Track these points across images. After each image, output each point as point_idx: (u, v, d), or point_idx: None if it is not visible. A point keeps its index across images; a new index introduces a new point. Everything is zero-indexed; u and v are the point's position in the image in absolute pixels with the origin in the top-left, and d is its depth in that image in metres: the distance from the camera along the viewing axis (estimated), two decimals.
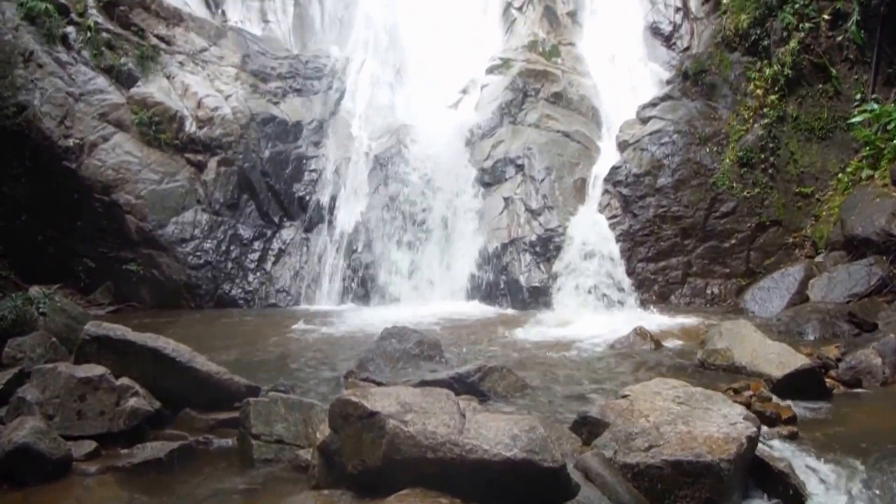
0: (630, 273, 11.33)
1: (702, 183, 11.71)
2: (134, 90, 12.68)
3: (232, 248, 12.25)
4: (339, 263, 12.33)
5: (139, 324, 8.52)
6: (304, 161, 13.07)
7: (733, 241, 11.42)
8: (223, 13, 14.53)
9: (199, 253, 12.02)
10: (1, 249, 11.32)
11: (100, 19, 12.93)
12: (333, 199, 12.84)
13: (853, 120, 11.30)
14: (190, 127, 12.64)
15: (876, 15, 11.55)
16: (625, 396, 4.80)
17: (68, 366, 5.45)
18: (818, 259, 10.54)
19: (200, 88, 12.99)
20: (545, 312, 10.75)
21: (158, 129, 12.48)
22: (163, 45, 13.25)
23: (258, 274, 12.25)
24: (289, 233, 12.70)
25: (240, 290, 12.05)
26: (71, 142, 11.96)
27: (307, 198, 12.84)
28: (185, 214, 12.18)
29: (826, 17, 11.88)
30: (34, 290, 8.59)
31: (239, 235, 12.37)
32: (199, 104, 12.81)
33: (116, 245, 11.98)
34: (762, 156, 11.71)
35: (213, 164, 12.59)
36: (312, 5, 14.98)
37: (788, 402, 5.57)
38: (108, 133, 12.30)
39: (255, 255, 12.34)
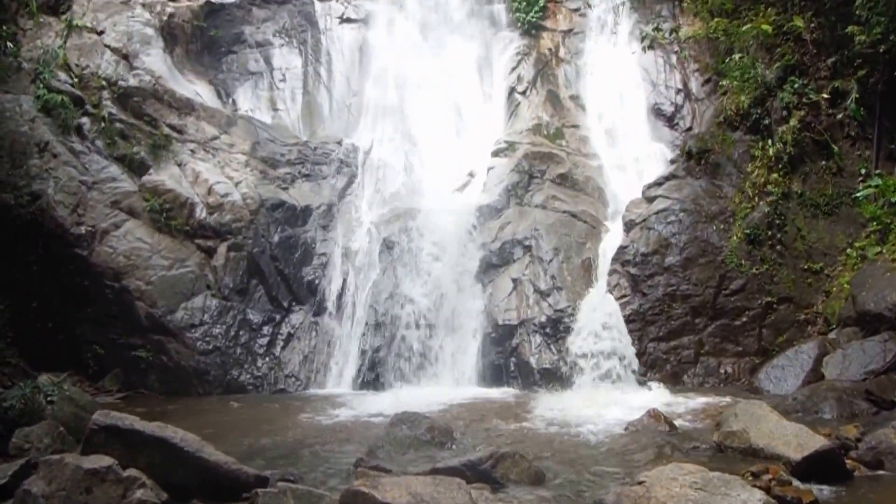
0: (641, 353, 11.30)
1: (710, 261, 11.80)
2: (146, 178, 13.03)
3: (241, 333, 12.32)
4: (348, 348, 12.36)
5: (148, 412, 8.53)
6: (313, 245, 13.28)
7: (744, 319, 11.41)
8: (234, 102, 15.07)
9: (208, 338, 12.09)
10: (11, 336, 11.42)
11: (114, 110, 13.41)
12: (342, 282, 12.99)
13: (858, 195, 11.47)
14: (200, 213, 12.92)
15: (874, 92, 11.89)
16: (641, 483, 4.76)
17: (75, 457, 5.46)
18: (831, 336, 10.51)
19: (211, 175, 13.34)
20: (557, 394, 10.69)
21: (169, 215, 12.76)
22: (175, 134, 13.68)
23: (267, 359, 12.28)
24: (298, 317, 12.78)
25: (249, 376, 12.05)
26: (83, 229, 12.23)
27: (316, 282, 12.98)
28: (194, 300, 12.31)
29: (825, 95, 12.21)
30: (43, 379, 8.66)
31: (248, 320, 12.46)
32: (210, 191, 13.13)
33: (126, 331, 12.08)
34: (769, 233, 11.83)
35: (222, 249, 12.80)
36: (321, 93, 15.53)
37: (809, 485, 5.50)
38: (120, 220, 12.58)
39: (264, 340, 12.39)
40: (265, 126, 14.61)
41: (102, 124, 13.16)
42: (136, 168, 13.12)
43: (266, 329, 12.50)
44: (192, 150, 13.63)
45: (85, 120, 13.14)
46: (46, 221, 12.11)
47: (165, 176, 13.16)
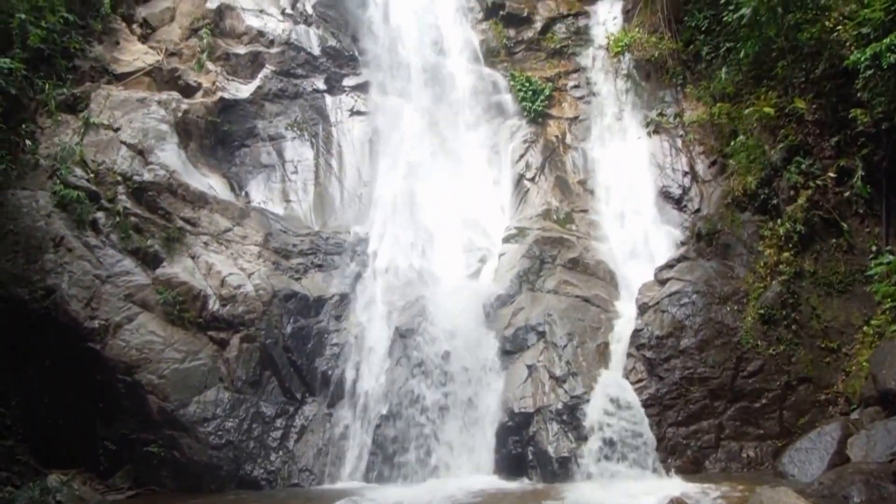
0: (661, 438, 11.33)
1: (726, 342, 11.96)
2: (159, 271, 13.39)
3: (254, 426, 12.42)
4: (362, 439, 12.41)
5: None
6: (326, 335, 13.51)
7: (764, 401, 11.48)
8: (247, 194, 15.60)
9: (220, 433, 12.18)
10: (21, 433, 11.56)
11: (129, 204, 13.87)
12: (356, 373, 13.13)
13: (871, 272, 11.70)
14: (213, 305, 13.21)
15: (879, 170, 12.28)
16: None
17: None
18: (854, 416, 10.56)
19: (224, 267, 13.71)
20: (577, 484, 10.67)
21: (182, 307, 13.04)
22: (188, 227, 14.12)
23: (280, 453, 12.33)
24: (311, 409, 12.89)
25: (262, 471, 12.08)
26: (96, 323, 12.50)
27: (329, 372, 13.15)
28: (207, 393, 12.47)
29: (831, 174, 12.61)
30: (52, 479, 8.77)
31: (261, 413, 12.58)
32: (223, 282, 13.47)
33: (137, 426, 12.17)
34: (784, 312, 12.01)
35: (235, 341, 13.04)
36: (332, 184, 16.08)
37: None
38: (133, 313, 12.86)
39: (278, 434, 12.47)
40: (278, 217, 15.09)
41: (117, 218, 13.60)
42: (150, 261, 13.48)
43: (279, 422, 12.60)
44: (206, 243, 14.04)
45: (100, 214, 13.57)
46: (60, 315, 12.39)
47: (179, 268, 13.52)
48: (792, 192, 12.79)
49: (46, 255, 12.78)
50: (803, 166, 12.69)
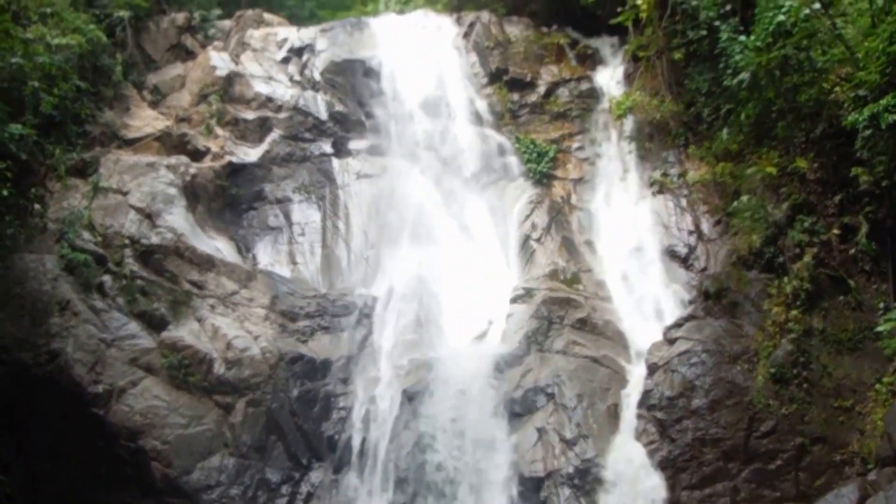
0: (675, 502, 11.23)
1: (737, 402, 11.95)
2: (165, 334, 13.51)
3: (259, 493, 12.33)
4: None
5: None
6: (333, 399, 13.51)
7: (779, 462, 11.41)
8: (254, 257, 15.83)
9: (224, 500, 12.11)
10: (21, 502, 11.49)
11: (135, 268, 14.09)
12: (363, 437, 13.09)
13: (880, 329, 11.76)
14: (219, 368, 13.27)
15: (884, 227, 12.45)
16: None
17: None
18: (871, 477, 10.49)
19: (230, 330, 13.82)
20: None
21: (188, 371, 13.11)
22: (195, 290, 14.29)
23: None
24: (317, 475, 12.81)
25: None
26: (100, 388, 12.55)
27: (336, 437, 13.11)
28: (211, 459, 12.43)
29: (836, 232, 12.78)
30: None
31: (266, 480, 12.50)
32: (229, 346, 13.56)
33: (140, 493, 12.14)
34: (795, 371, 12.04)
35: (241, 405, 13.05)
36: (339, 246, 16.31)
37: None
38: (138, 378, 12.93)
39: (283, 501, 12.41)
40: (284, 280, 15.27)
41: (124, 282, 13.79)
42: (156, 324, 13.62)
43: (285, 488, 12.53)
44: (212, 306, 14.19)
45: (107, 278, 13.77)
46: (63, 380, 12.46)
47: (185, 332, 13.64)
48: (797, 250, 12.94)
49: (52, 319, 12.92)
50: (807, 224, 12.88)
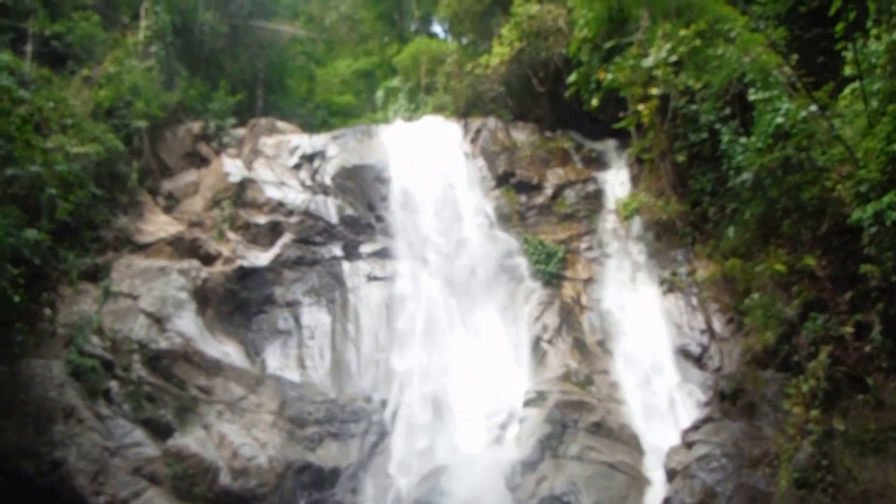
0: None
1: None
2: (171, 442, 13.42)
3: None
4: None
5: None
6: None
7: None
8: (263, 361, 15.90)
9: None
10: None
11: (143, 373, 14.17)
12: None
13: None
14: (224, 479, 13.13)
15: None
16: None
17: None
18: None
19: (237, 437, 13.74)
20: None
21: (193, 481, 12.97)
22: (202, 396, 14.31)
23: None
24: None
25: None
26: (102, 499, 12.39)
27: None
28: None
29: (849, 329, 12.75)
30: None
31: None
32: (235, 454, 13.44)
33: None
34: (818, 475, 11.76)
35: None
36: (349, 350, 16.39)
37: None
38: (141, 488, 12.77)
39: None
40: (293, 385, 15.28)
41: (131, 387, 13.83)
42: (162, 431, 13.56)
43: None
44: (220, 412, 14.16)
45: (113, 383, 13.82)
46: (65, 491, 12.33)
47: (190, 439, 13.56)
48: (812, 349, 12.87)
49: (56, 427, 12.90)
50: (820, 322, 12.87)
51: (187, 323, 15.13)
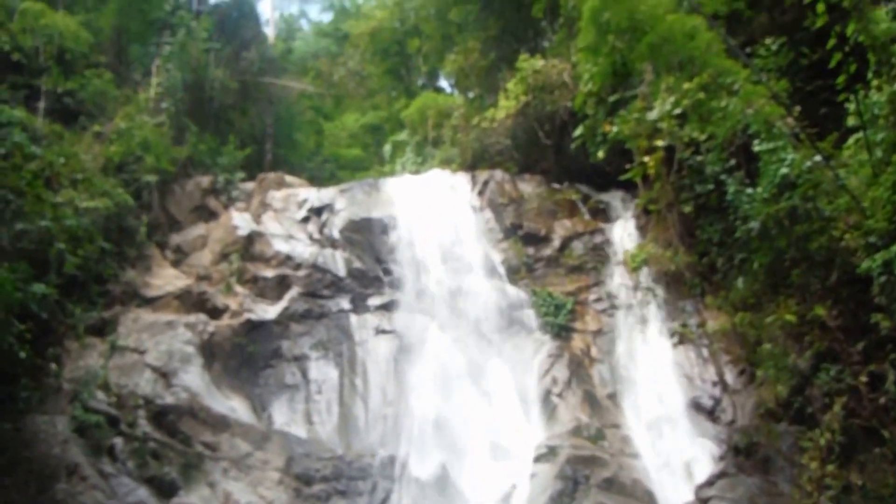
0: None
1: None
2: (175, 500, 13.31)
3: None
4: None
5: None
6: None
7: None
8: (269, 416, 15.82)
9: None
10: None
11: (148, 429, 14.10)
12: None
13: None
14: None
15: None
16: None
17: None
18: None
19: (242, 496, 13.62)
20: None
21: None
22: (208, 453, 14.20)
23: None
24: None
25: None
26: None
27: None
28: None
29: (864, 380, 12.63)
30: None
31: None
32: None
33: None
34: None
35: None
36: (356, 405, 16.30)
37: None
38: None
39: None
40: (300, 441, 15.16)
41: (136, 444, 13.74)
42: (166, 490, 13.43)
43: None
44: (225, 469, 14.05)
45: (118, 440, 13.74)
46: None
47: (195, 497, 13.46)
48: (826, 400, 12.75)
49: (59, 485, 12.76)
50: (833, 373, 12.77)
51: (194, 378, 15.12)
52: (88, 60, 22.09)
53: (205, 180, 20.70)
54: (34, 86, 19.58)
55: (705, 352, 15.67)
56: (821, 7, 10.28)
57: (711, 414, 14.93)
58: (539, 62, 20.98)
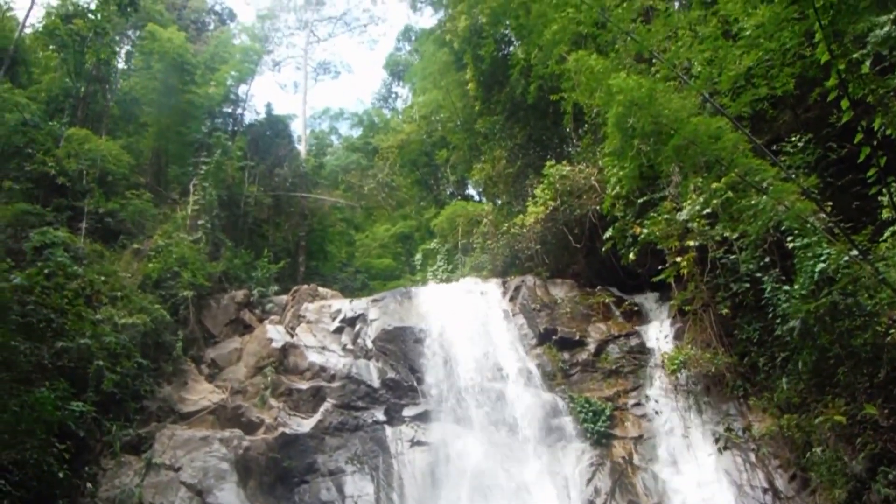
0: None
1: None
2: None
3: None
4: None
5: None
6: None
7: None
8: None
9: None
10: None
11: None
12: None
13: None
14: None
15: None
16: None
17: None
18: None
19: None
20: None
21: None
22: None
23: None
24: None
25: None
26: None
27: None
28: None
29: None
30: None
31: None
32: None
33: None
34: None
35: None
36: None
37: None
38: None
39: None
40: None
41: None
42: None
43: None
44: None
45: None
46: None
47: None
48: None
49: None
50: (891, 477, 12.30)
51: (228, 495, 14.95)
52: (129, 181, 23.09)
53: (239, 294, 21.11)
54: (77, 207, 20.42)
55: (752, 456, 15.10)
56: (845, 103, 10.46)
57: None
58: (566, 168, 21.38)
